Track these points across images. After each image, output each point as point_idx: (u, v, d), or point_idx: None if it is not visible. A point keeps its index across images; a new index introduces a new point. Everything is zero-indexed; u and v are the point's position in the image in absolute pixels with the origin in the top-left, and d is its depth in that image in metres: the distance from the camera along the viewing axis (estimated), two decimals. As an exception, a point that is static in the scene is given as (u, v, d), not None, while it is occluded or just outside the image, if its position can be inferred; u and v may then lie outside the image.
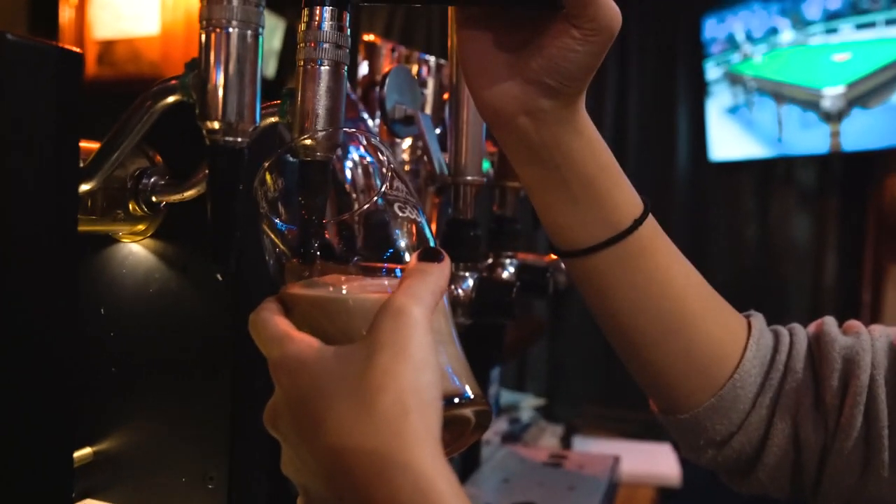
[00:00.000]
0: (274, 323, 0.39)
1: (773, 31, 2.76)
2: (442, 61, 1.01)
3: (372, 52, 1.05)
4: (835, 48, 2.57)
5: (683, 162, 3.07)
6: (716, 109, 2.95)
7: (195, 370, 0.60)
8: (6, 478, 0.42)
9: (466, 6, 0.50)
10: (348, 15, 0.51)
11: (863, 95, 2.50)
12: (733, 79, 2.90)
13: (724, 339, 0.56)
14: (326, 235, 0.46)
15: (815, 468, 0.55)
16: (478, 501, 1.06)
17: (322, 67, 0.49)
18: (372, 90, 1.02)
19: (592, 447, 1.59)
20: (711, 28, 2.94)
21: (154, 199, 0.55)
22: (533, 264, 0.90)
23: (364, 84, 1.04)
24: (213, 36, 0.40)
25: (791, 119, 2.70)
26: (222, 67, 0.40)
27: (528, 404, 1.86)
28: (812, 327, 0.59)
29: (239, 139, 0.41)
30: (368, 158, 0.49)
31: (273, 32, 4.18)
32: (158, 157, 0.57)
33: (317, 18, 0.49)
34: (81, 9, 3.63)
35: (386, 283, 0.40)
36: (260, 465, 0.59)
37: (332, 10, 0.49)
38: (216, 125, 0.41)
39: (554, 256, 1.08)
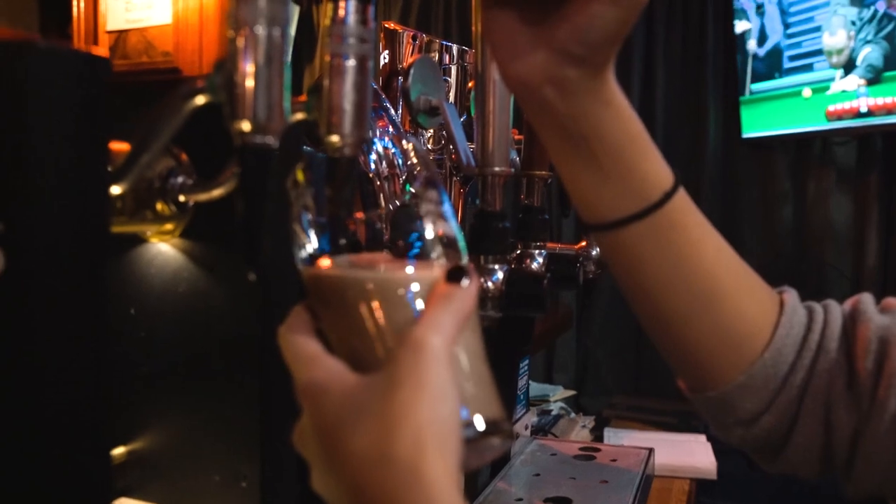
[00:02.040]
0: (302, 343, 0.39)
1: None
2: (465, 48, 1.00)
3: (392, 40, 1.03)
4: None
5: (715, 139, 3.01)
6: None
7: (225, 369, 0.59)
8: (46, 481, 0.42)
9: None
10: (372, 8, 0.50)
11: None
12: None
13: (756, 316, 0.55)
14: (353, 228, 0.47)
15: (846, 450, 0.54)
16: (509, 497, 1.05)
17: (347, 62, 0.48)
18: (394, 79, 1.01)
19: (625, 439, 1.57)
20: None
21: (182, 198, 0.55)
22: (562, 254, 0.89)
23: (385, 73, 1.03)
24: (241, 36, 0.40)
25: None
26: (251, 68, 0.40)
27: (557, 396, 1.85)
28: (848, 304, 0.57)
29: (269, 139, 0.41)
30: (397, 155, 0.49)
31: (291, 20, 4.17)
32: (184, 156, 0.57)
33: (341, 12, 0.49)
34: (93, 0, 3.67)
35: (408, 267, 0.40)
36: (292, 464, 0.58)
37: (356, 3, 0.49)
38: (246, 126, 0.40)
39: (584, 243, 1.07)
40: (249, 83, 0.40)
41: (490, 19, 0.49)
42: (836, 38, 2.85)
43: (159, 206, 0.55)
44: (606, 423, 1.90)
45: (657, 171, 0.52)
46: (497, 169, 0.68)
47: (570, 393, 1.86)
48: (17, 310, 0.39)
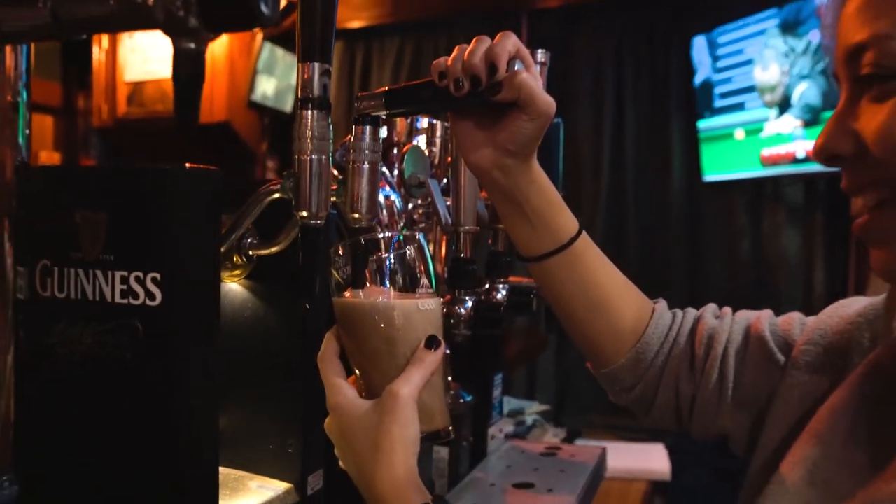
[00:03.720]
0: (330, 373, 0.66)
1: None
2: (447, 124, 1.27)
3: (391, 120, 1.31)
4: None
5: (678, 182, 3.30)
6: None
7: (278, 373, 0.85)
8: (183, 441, 0.67)
9: (456, 111, 0.76)
10: (380, 129, 0.77)
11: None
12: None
13: (633, 319, 0.82)
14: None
15: (688, 409, 0.81)
16: (484, 483, 1.30)
17: (364, 166, 0.76)
18: (390, 150, 1.28)
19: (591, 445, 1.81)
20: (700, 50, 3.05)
21: (251, 252, 0.81)
22: (520, 287, 1.15)
23: (385, 144, 1.30)
24: (303, 159, 0.66)
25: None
26: (308, 179, 0.66)
27: (532, 409, 2.09)
28: (699, 311, 0.84)
29: (319, 221, 0.67)
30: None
31: (292, 70, 4.48)
32: (250, 224, 0.83)
33: (360, 133, 0.76)
34: (112, 52, 3.95)
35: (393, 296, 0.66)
36: (322, 439, 0.82)
37: (371, 127, 0.76)
38: (305, 214, 0.66)
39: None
40: (307, 189, 0.67)
41: (456, 126, 0.76)
42: (768, 72, 2.68)
43: (235, 258, 0.81)
44: (579, 435, 2.14)
45: (566, 222, 0.80)
46: (467, 227, 0.94)
47: (545, 407, 2.10)
48: (172, 334, 0.64)
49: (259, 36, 3.80)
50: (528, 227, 0.78)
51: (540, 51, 1.21)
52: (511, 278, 1.20)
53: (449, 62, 0.70)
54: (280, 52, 3.84)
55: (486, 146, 0.75)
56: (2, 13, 0.54)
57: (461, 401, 1.25)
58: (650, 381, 0.82)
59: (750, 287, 3.11)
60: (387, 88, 0.76)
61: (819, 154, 0.58)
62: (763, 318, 0.79)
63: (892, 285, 0.63)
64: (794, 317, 0.79)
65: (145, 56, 3.92)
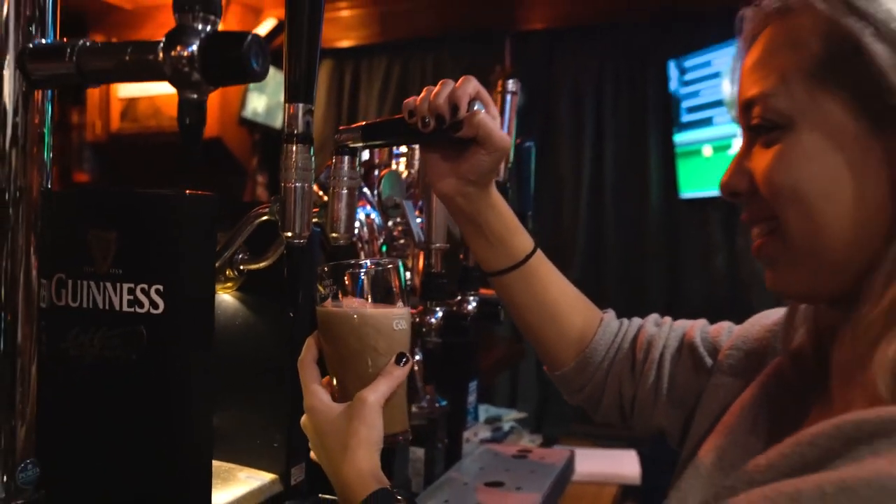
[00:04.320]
0: (306, 376, 0.77)
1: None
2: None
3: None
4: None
5: (656, 198, 3.42)
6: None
7: (266, 376, 0.95)
8: (182, 435, 0.76)
9: (424, 145, 0.87)
10: (357, 158, 0.87)
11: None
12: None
13: (582, 327, 0.93)
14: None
15: (629, 406, 0.91)
16: (458, 482, 1.39)
17: (343, 191, 0.86)
18: (371, 171, 1.39)
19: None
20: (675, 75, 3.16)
21: (241, 267, 0.91)
22: (489, 299, 1.26)
23: (366, 166, 1.41)
24: (288, 187, 0.76)
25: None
26: (292, 203, 0.76)
27: (510, 417, 2.19)
28: (643, 320, 0.95)
29: (302, 241, 0.77)
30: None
31: (280, 86, 4.58)
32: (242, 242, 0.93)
33: (339, 162, 0.86)
34: (105, 70, 4.04)
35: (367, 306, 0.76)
36: (304, 437, 0.93)
37: (349, 157, 0.86)
38: (290, 234, 0.76)
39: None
40: (291, 211, 0.77)
41: (425, 157, 0.87)
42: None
43: (228, 272, 0.91)
44: (555, 441, 2.23)
45: (522, 242, 0.90)
46: (437, 245, 1.05)
47: (523, 415, 2.20)
48: (173, 339, 0.74)
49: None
50: (487, 245, 0.89)
51: (511, 81, 1.33)
52: (482, 291, 1.30)
53: (417, 101, 0.81)
54: (270, 70, 3.94)
55: (451, 176, 0.85)
56: (34, 65, 0.64)
57: (437, 405, 1.34)
58: (597, 382, 0.92)
59: (725, 301, 3.22)
60: (364, 123, 0.86)
61: (723, 190, 0.68)
62: (696, 327, 0.90)
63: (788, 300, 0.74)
64: (724, 325, 0.89)
65: (138, 73, 4.01)
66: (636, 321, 0.95)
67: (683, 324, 0.92)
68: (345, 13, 3.95)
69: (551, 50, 3.60)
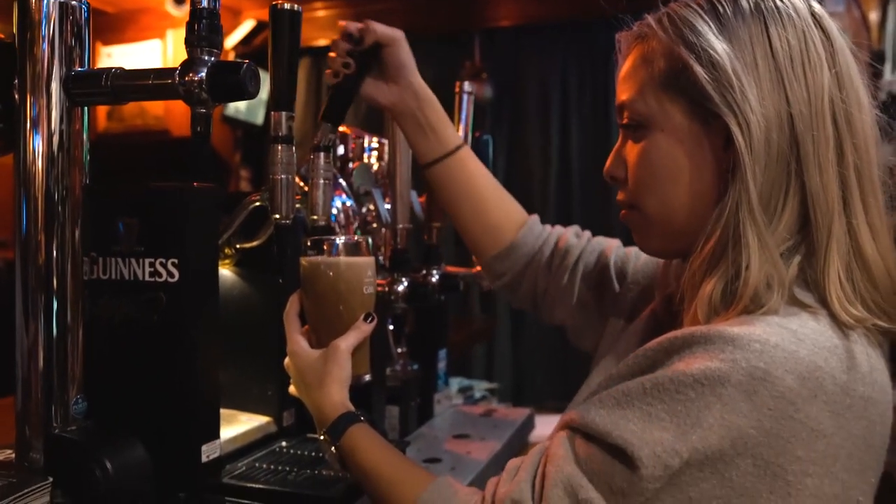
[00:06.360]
0: (289, 328, 0.95)
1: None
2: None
3: (345, 138, 1.61)
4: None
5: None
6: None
7: (260, 337, 1.14)
8: (194, 382, 0.95)
9: (360, 87, 1.08)
10: (332, 154, 1.07)
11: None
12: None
13: (506, 222, 1.10)
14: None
15: (541, 298, 1.10)
16: (430, 436, 1.59)
17: (320, 181, 1.05)
18: (346, 165, 1.58)
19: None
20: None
21: (237, 245, 1.10)
22: (451, 274, 1.46)
23: (342, 160, 1.60)
24: (276, 178, 0.95)
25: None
26: (280, 192, 0.95)
27: (482, 387, 2.38)
28: (565, 229, 1.13)
29: (288, 222, 0.96)
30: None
31: (263, 86, 4.75)
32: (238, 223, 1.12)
33: (316, 158, 1.05)
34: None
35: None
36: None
37: (324, 154, 1.05)
38: (279, 216, 0.95)
39: (474, 269, 1.63)
40: (278, 198, 0.96)
41: (367, 94, 1.08)
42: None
43: (226, 250, 1.10)
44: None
45: (453, 134, 1.09)
46: (402, 226, 1.24)
47: (494, 385, 2.40)
48: (187, 303, 0.93)
49: (231, 55, 4.07)
50: (424, 136, 1.07)
51: (466, 83, 1.53)
52: (447, 268, 1.51)
53: (329, 63, 1.02)
54: (251, 69, 4.11)
55: (383, 88, 1.06)
56: (76, 90, 0.83)
57: (409, 369, 1.54)
58: (517, 272, 1.10)
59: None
60: (320, 116, 1.05)
61: (605, 175, 0.88)
62: (612, 248, 1.07)
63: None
64: (633, 250, 1.05)
65: (123, 73, 4.15)
66: (559, 228, 1.12)
67: (601, 241, 1.09)
68: (321, 13, 4.13)
69: (518, 46, 3.80)
